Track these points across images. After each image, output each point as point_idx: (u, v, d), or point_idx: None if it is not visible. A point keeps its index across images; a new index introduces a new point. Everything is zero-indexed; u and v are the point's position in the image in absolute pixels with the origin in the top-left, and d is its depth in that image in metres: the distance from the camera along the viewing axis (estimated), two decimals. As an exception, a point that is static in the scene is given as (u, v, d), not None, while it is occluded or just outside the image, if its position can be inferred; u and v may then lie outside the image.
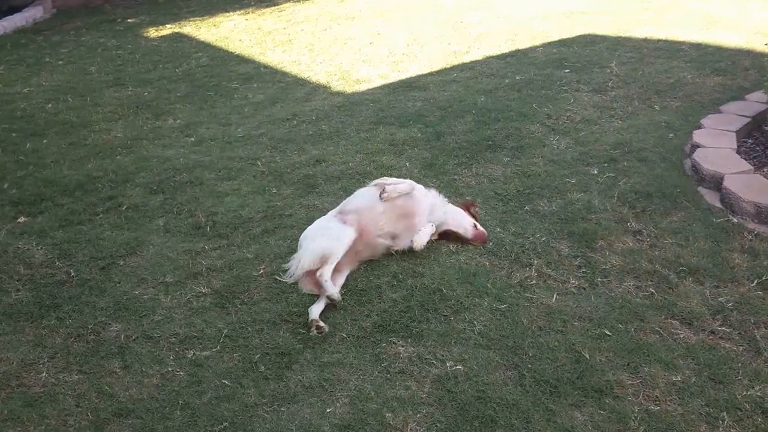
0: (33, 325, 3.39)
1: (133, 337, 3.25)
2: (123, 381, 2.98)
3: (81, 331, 3.31)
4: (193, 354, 3.12)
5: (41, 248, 4.07)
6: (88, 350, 3.18)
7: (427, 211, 3.78)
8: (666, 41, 7.32)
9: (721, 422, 2.62)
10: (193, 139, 5.71)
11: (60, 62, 8.35)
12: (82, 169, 5.19)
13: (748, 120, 4.98)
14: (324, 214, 3.90)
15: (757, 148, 4.69)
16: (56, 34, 9.87)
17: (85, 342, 3.24)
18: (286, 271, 3.59)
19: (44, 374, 3.05)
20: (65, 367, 3.08)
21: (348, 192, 4.24)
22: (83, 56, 8.57)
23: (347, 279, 3.56)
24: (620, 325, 3.15)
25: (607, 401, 2.74)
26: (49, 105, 6.77)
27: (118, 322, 3.37)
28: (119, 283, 3.69)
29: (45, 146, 5.71)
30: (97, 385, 2.96)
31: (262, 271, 3.70)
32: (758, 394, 2.73)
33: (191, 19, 10.38)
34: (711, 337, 3.06)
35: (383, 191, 3.67)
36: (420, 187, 3.88)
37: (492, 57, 7.32)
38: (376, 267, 3.67)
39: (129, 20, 10.61)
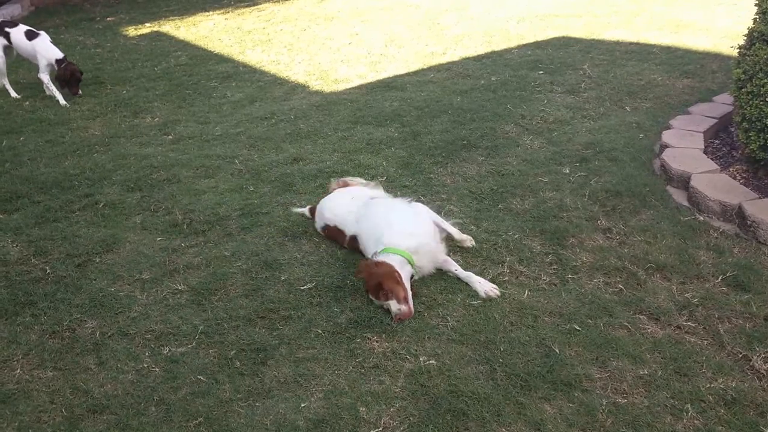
0: (7, 322, 3.37)
1: (109, 334, 3.25)
2: (98, 377, 2.99)
3: (56, 328, 3.30)
4: (169, 350, 3.13)
5: (17, 245, 4.05)
6: (63, 347, 3.18)
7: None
8: (637, 44, 7.47)
9: (685, 414, 2.68)
10: (171, 137, 5.70)
11: (36, 60, 8.26)
12: (59, 166, 5.15)
13: (714, 121, 5.10)
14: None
15: (723, 149, 4.81)
16: (33, 31, 9.74)
17: (60, 339, 3.24)
18: None
19: (18, 371, 3.04)
20: (40, 364, 3.08)
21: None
22: (60, 54, 8.48)
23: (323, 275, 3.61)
24: (590, 321, 3.22)
25: (576, 394, 2.79)
26: (27, 103, 6.71)
27: (94, 319, 3.36)
28: (95, 280, 3.68)
29: (22, 144, 5.66)
30: (72, 382, 2.96)
31: (238, 267, 3.73)
32: (721, 386, 2.81)
33: (171, 18, 10.33)
34: (677, 332, 3.14)
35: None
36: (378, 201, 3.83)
37: (468, 58, 7.41)
38: (351, 264, 3.71)
39: (108, 19, 10.53)
